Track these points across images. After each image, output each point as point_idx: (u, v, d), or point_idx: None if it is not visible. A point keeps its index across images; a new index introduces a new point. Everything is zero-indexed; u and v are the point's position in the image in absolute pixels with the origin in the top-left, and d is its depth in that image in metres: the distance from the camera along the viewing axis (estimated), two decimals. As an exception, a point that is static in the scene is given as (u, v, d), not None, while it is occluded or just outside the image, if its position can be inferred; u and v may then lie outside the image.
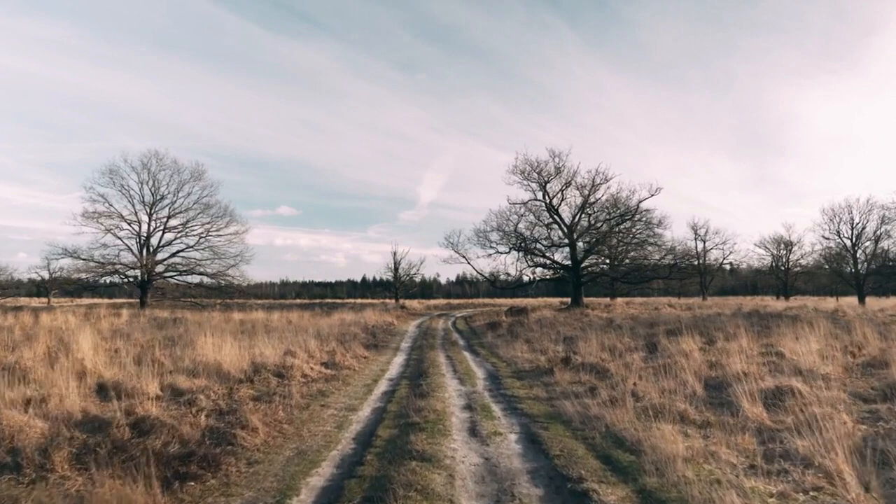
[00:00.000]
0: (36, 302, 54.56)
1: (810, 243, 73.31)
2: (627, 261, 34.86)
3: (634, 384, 7.90)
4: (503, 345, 14.14)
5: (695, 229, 51.50)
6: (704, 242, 51.61)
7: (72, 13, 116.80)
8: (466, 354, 12.81)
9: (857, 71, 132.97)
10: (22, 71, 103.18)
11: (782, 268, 55.34)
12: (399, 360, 11.75)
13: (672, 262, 33.52)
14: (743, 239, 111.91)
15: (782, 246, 55.09)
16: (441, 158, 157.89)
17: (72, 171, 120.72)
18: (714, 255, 51.56)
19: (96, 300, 61.41)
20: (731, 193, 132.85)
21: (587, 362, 9.58)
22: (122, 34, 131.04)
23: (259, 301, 63.04)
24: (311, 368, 9.27)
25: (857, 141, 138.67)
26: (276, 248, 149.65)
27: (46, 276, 44.89)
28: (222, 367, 8.62)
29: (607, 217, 32.99)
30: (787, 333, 12.73)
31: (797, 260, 54.85)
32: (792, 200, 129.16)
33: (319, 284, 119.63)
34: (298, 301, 65.66)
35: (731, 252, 50.78)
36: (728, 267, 49.46)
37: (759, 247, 55.54)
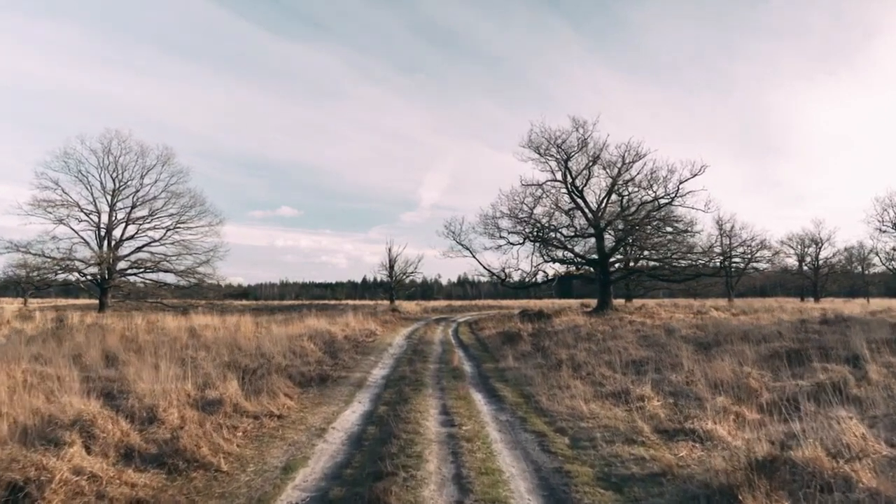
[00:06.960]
0: (18, 304, 49.40)
1: (843, 240, 68.09)
2: (649, 251, 28.32)
3: None
4: (540, 378, 8.34)
5: (720, 225, 45.36)
6: (730, 239, 45.40)
7: (77, 15, 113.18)
8: (479, 402, 7.06)
9: (857, 73, 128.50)
10: (27, 73, 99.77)
11: (807, 267, 49.50)
12: (348, 420, 6.02)
13: (723, 258, 27.44)
14: (772, 236, 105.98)
15: (809, 243, 49.37)
16: (443, 160, 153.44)
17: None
18: (740, 253, 45.42)
19: (84, 301, 55.83)
20: (731, 195, 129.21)
21: (787, 458, 3.86)
22: (127, 36, 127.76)
23: (247, 303, 57.49)
24: (90, 480, 3.58)
25: (857, 142, 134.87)
26: (277, 249, 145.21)
27: (23, 274, 40.14)
28: None
29: (642, 201, 26.97)
30: None
31: (827, 258, 49.18)
32: (792, 202, 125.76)
33: (319, 286, 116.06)
34: (291, 302, 60.14)
35: (758, 250, 44.75)
36: (738, 268, 42.75)
37: (787, 244, 49.75)
